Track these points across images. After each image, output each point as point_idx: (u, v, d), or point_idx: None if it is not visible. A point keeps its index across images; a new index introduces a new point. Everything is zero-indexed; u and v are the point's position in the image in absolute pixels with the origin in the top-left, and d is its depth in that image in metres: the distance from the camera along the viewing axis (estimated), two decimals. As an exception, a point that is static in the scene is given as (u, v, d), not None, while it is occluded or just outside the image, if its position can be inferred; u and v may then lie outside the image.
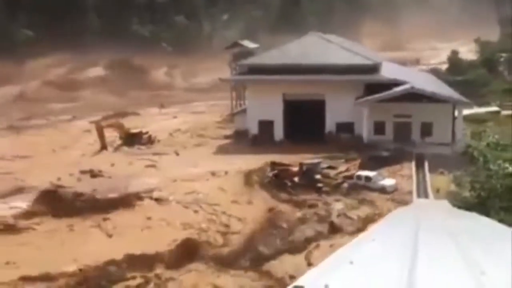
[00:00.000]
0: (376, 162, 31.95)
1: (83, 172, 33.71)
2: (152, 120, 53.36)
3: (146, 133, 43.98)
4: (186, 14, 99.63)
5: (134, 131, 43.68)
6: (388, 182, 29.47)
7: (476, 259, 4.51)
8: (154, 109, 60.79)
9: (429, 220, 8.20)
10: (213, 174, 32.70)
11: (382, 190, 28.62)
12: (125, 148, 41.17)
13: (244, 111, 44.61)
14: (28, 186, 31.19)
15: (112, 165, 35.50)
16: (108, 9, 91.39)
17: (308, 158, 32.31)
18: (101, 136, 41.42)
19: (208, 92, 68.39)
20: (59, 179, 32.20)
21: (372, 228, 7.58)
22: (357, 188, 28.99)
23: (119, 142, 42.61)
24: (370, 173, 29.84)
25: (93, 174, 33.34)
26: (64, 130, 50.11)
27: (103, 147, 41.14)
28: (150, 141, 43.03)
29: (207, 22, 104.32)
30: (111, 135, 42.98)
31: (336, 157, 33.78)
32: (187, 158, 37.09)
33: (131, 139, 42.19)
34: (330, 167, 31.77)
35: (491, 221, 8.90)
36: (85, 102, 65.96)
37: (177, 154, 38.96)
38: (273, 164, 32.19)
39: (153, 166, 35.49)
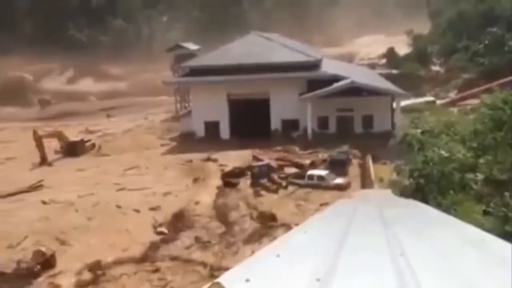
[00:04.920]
0: (335, 164, 30.44)
1: None
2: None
3: (88, 140, 42.54)
4: (124, 17, 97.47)
5: (75, 139, 41.93)
6: (341, 180, 28.57)
7: (400, 243, 4.82)
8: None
9: (366, 210, 8.56)
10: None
11: (337, 188, 27.57)
12: (70, 159, 38.47)
13: (189, 113, 44.34)
14: None
15: None
16: (40, 15, 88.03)
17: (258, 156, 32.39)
18: (40, 147, 37.63)
19: (154, 96, 67.36)
20: None
21: (308, 220, 7.79)
22: (307, 188, 27.72)
23: (59, 152, 40.45)
24: (322, 172, 28.87)
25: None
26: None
27: (43, 159, 37.50)
28: (94, 148, 41.72)
29: (146, 24, 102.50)
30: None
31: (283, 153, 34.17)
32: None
33: (73, 148, 40.33)
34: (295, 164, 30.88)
35: (426, 207, 9.40)
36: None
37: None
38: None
39: None
